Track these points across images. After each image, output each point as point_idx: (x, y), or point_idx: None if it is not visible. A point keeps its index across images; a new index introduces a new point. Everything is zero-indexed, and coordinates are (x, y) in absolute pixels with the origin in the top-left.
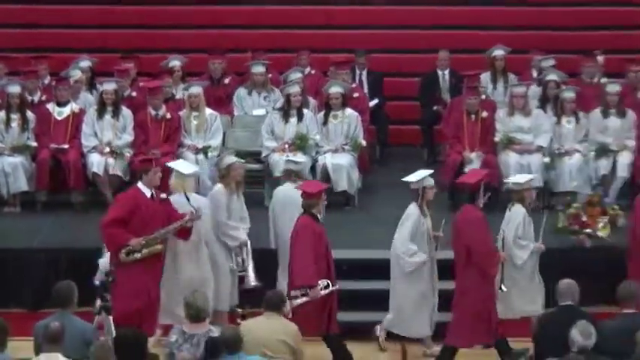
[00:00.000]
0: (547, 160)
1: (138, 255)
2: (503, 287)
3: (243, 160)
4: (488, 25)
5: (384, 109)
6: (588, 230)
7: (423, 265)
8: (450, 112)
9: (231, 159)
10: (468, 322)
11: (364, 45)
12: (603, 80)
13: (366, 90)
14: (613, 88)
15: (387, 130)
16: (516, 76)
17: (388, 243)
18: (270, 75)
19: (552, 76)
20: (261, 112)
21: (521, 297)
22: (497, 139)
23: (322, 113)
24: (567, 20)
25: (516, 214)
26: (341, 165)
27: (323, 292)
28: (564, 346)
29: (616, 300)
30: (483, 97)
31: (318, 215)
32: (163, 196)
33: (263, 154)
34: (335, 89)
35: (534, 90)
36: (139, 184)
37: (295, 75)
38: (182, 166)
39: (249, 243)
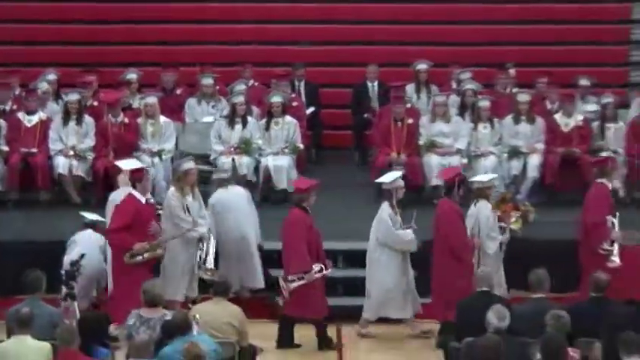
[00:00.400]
0: (465, 161)
1: (140, 258)
2: (480, 270)
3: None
4: (412, 41)
5: (319, 116)
6: (502, 224)
7: (400, 254)
8: (379, 119)
9: (189, 165)
10: (443, 299)
11: (302, 59)
12: (515, 90)
13: (303, 99)
14: (523, 97)
15: (322, 134)
16: (438, 87)
17: (322, 235)
18: (217, 86)
19: (470, 86)
20: (209, 119)
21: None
22: (421, 142)
23: (264, 120)
24: (482, 37)
25: (484, 210)
26: (281, 166)
27: (317, 276)
28: (481, 327)
29: (527, 286)
30: (408, 105)
31: (308, 208)
32: (150, 199)
33: (212, 157)
34: (276, 99)
35: (454, 99)
36: (133, 192)
37: (240, 86)
38: (128, 164)
39: (211, 237)
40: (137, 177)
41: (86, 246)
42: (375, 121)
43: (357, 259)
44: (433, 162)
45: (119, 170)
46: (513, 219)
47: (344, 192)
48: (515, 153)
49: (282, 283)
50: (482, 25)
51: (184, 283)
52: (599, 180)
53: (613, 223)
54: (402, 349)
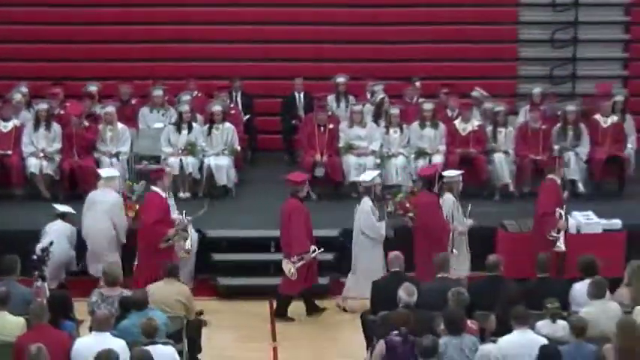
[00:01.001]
0: (378, 161)
1: (171, 241)
2: (454, 251)
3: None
4: (332, 58)
5: (254, 122)
6: (410, 214)
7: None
8: (304, 125)
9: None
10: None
11: (239, 74)
12: (420, 100)
13: (240, 108)
14: (427, 106)
15: (256, 138)
16: (354, 97)
17: (257, 224)
18: (166, 97)
19: (382, 96)
20: (160, 125)
21: (456, 261)
22: (340, 145)
23: (207, 126)
24: (393, 54)
25: (448, 201)
26: (221, 165)
27: (313, 255)
28: (393, 302)
29: (434, 266)
30: (330, 113)
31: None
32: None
33: (162, 158)
34: (216, 107)
35: (368, 108)
36: (155, 189)
37: (186, 97)
38: (106, 172)
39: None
40: (157, 176)
41: (56, 234)
42: (301, 127)
43: None
44: (351, 162)
45: (99, 176)
46: None
47: (275, 187)
48: (421, 153)
49: (286, 265)
50: (393, 44)
51: None
52: (549, 176)
53: (561, 214)
54: (323, 322)
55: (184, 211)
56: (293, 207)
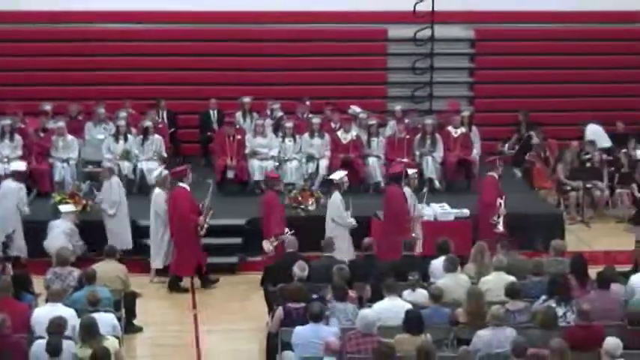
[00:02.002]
0: (277, 164)
1: (205, 225)
2: (414, 234)
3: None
4: (240, 82)
5: (177, 134)
6: (302, 206)
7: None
8: (218, 136)
9: (165, 172)
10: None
11: (164, 95)
12: (309, 116)
13: (166, 122)
14: (316, 120)
15: (180, 147)
16: (257, 113)
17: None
18: (107, 114)
19: (279, 113)
20: (101, 136)
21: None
22: (246, 152)
23: (140, 137)
24: (288, 79)
25: (406, 193)
26: (151, 168)
27: (286, 236)
28: (291, 277)
29: (321, 247)
30: (237, 126)
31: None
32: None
33: (103, 163)
34: (148, 122)
35: (268, 122)
36: (182, 184)
37: (122, 114)
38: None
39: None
40: (183, 174)
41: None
42: (215, 138)
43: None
44: (255, 165)
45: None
46: (310, 202)
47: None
48: (310, 158)
49: (265, 243)
50: (288, 71)
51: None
52: (489, 173)
53: (500, 203)
54: (234, 293)
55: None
56: (271, 198)
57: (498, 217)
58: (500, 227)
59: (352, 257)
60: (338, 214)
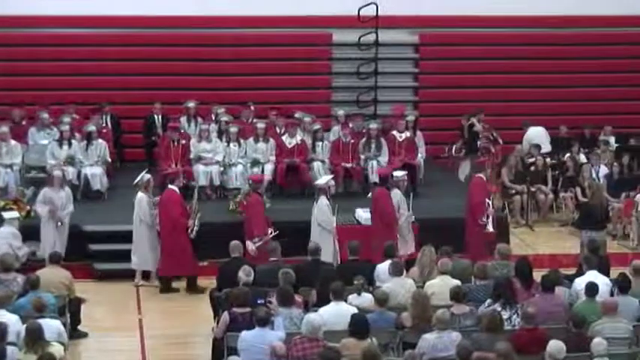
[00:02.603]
0: (222, 168)
1: (194, 227)
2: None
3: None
4: (184, 87)
5: (121, 138)
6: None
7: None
8: (162, 140)
9: (147, 176)
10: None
11: (108, 100)
12: (254, 120)
13: (110, 127)
14: (260, 125)
15: (124, 151)
16: (202, 118)
17: (125, 220)
18: (51, 119)
19: (224, 118)
20: (45, 142)
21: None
22: (191, 156)
23: (84, 142)
24: (232, 85)
25: (397, 195)
26: (95, 173)
27: (269, 237)
28: (236, 282)
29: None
30: (182, 131)
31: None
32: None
33: (47, 167)
34: (91, 127)
35: (213, 127)
36: (172, 187)
37: (66, 119)
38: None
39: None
40: (174, 176)
41: None
42: (160, 142)
43: None
44: (200, 169)
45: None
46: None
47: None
48: (255, 163)
49: (249, 244)
50: (233, 76)
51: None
52: (477, 175)
53: (489, 203)
54: (179, 298)
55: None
56: (255, 201)
57: (487, 217)
58: (490, 227)
59: (338, 262)
60: (324, 218)
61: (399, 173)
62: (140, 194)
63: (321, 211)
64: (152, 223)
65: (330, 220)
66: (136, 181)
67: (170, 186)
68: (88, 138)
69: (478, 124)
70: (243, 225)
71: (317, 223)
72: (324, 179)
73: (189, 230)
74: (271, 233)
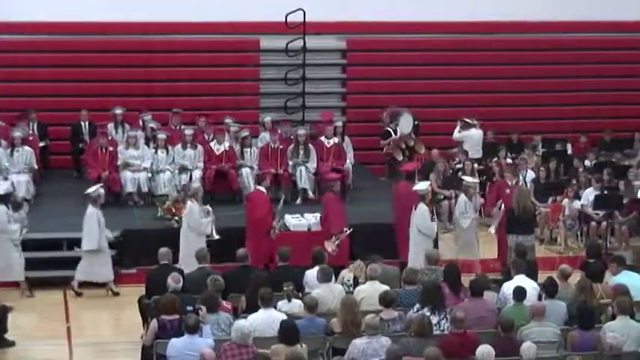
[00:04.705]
0: (150, 175)
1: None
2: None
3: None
4: (111, 93)
5: (49, 147)
6: (176, 217)
7: None
8: (90, 147)
9: (197, 185)
10: None
11: (35, 107)
12: (183, 127)
13: (37, 134)
14: (188, 131)
15: (49, 159)
16: (129, 125)
17: (53, 228)
18: None
19: (152, 124)
20: None
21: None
22: (119, 163)
23: (10, 149)
24: (160, 90)
25: (461, 200)
26: (22, 181)
27: (346, 234)
28: (164, 289)
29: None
30: (109, 138)
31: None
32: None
33: None
34: (17, 134)
35: (140, 133)
36: (260, 187)
37: None
38: None
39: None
40: (263, 178)
41: None
42: (87, 149)
43: (79, 243)
44: (128, 176)
45: None
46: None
47: (66, 197)
48: (183, 169)
49: (328, 244)
50: (161, 82)
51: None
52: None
53: (500, 206)
54: (108, 305)
55: None
56: (330, 198)
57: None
58: (493, 230)
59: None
60: (424, 224)
61: (469, 179)
62: (190, 203)
63: (422, 217)
64: (201, 232)
65: (430, 226)
66: (89, 191)
67: (258, 187)
68: (14, 145)
69: (394, 134)
70: (322, 222)
71: (417, 229)
72: (423, 185)
73: (273, 231)
74: (346, 231)
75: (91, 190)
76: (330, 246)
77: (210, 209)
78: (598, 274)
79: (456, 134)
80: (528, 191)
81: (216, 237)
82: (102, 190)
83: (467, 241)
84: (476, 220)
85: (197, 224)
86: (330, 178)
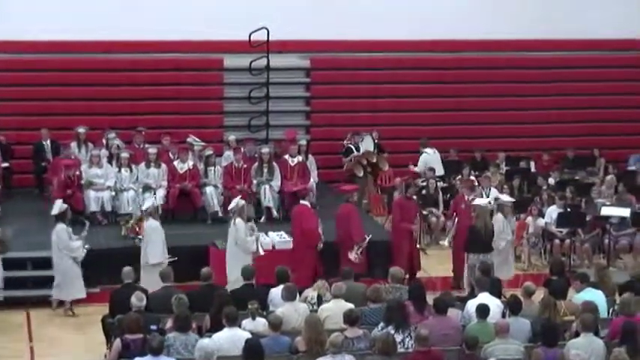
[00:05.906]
0: (113, 193)
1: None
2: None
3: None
4: (72, 112)
5: (11, 166)
6: (140, 237)
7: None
8: (53, 166)
9: (241, 202)
10: None
11: None
12: (146, 146)
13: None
14: (152, 150)
15: (12, 178)
16: (93, 143)
17: (16, 247)
18: None
19: (115, 143)
20: None
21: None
22: (82, 182)
23: None
24: (124, 109)
25: (498, 219)
26: None
27: (366, 242)
28: (128, 308)
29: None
30: (73, 157)
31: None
32: None
33: None
34: None
35: (104, 152)
36: (304, 202)
37: None
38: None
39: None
40: (305, 193)
41: None
42: (50, 168)
43: (42, 263)
44: (91, 195)
45: None
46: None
47: (29, 216)
48: (147, 188)
49: (352, 254)
50: (124, 101)
51: None
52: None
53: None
54: (72, 325)
55: None
56: (348, 209)
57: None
58: (446, 242)
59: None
60: (240, 237)
61: (506, 198)
62: (238, 219)
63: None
64: (247, 249)
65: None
66: (231, 207)
67: (302, 201)
68: None
69: (356, 152)
70: (339, 234)
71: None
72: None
73: (320, 243)
74: (367, 239)
75: (56, 210)
76: (353, 255)
77: (255, 226)
78: (562, 292)
79: (420, 165)
80: (487, 209)
81: (262, 253)
82: (65, 205)
83: (502, 261)
84: (511, 241)
85: (244, 242)
86: (345, 190)
